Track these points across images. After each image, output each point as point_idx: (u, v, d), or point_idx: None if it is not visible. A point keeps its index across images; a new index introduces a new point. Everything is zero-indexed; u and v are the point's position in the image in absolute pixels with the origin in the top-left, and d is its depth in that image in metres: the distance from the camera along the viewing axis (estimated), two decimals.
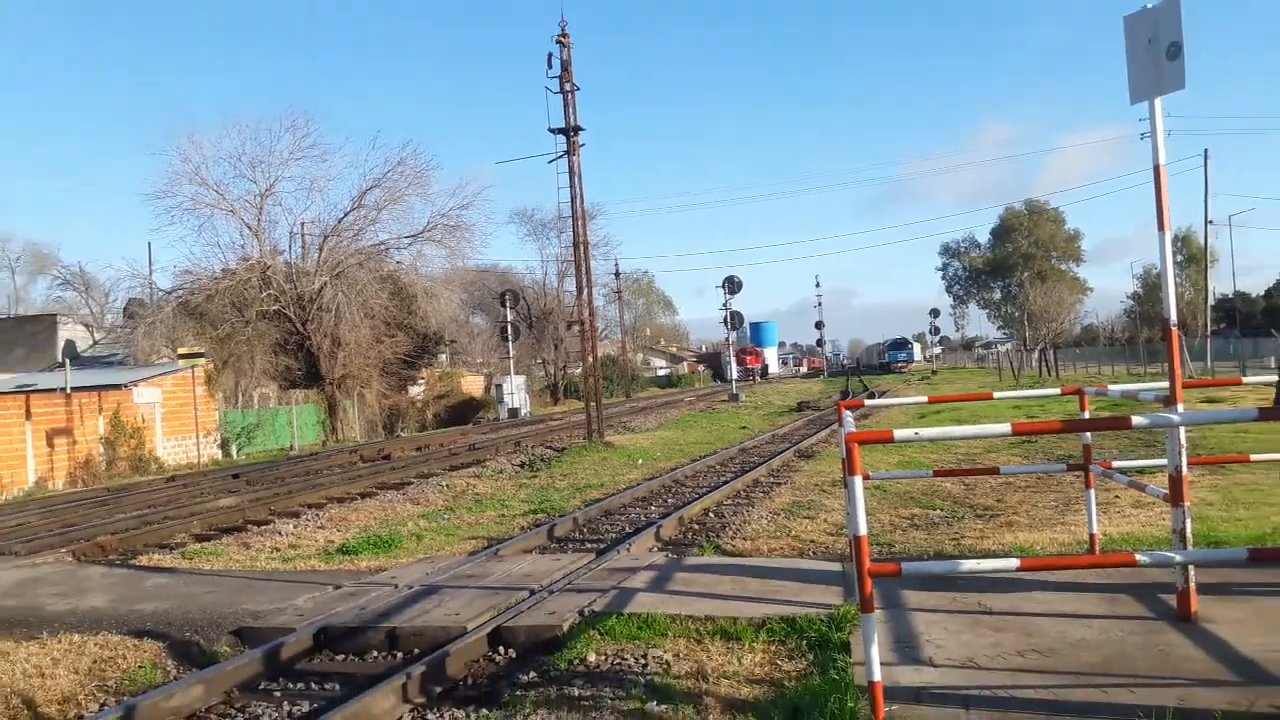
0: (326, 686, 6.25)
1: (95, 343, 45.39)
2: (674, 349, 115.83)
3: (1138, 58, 5.60)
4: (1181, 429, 5.54)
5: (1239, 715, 4.09)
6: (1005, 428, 4.41)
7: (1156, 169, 5.61)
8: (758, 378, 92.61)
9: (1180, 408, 5.58)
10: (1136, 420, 4.56)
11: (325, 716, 5.21)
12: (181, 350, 30.49)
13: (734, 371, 58.55)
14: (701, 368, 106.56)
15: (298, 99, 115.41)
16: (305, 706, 5.86)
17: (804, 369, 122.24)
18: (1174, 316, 5.67)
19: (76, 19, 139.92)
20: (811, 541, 10.18)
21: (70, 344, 42.05)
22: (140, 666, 6.75)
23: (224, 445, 32.63)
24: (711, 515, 12.69)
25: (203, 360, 30.32)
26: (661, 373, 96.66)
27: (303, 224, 39.74)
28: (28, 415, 25.21)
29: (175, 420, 30.76)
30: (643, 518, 12.94)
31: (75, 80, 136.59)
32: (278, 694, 6.14)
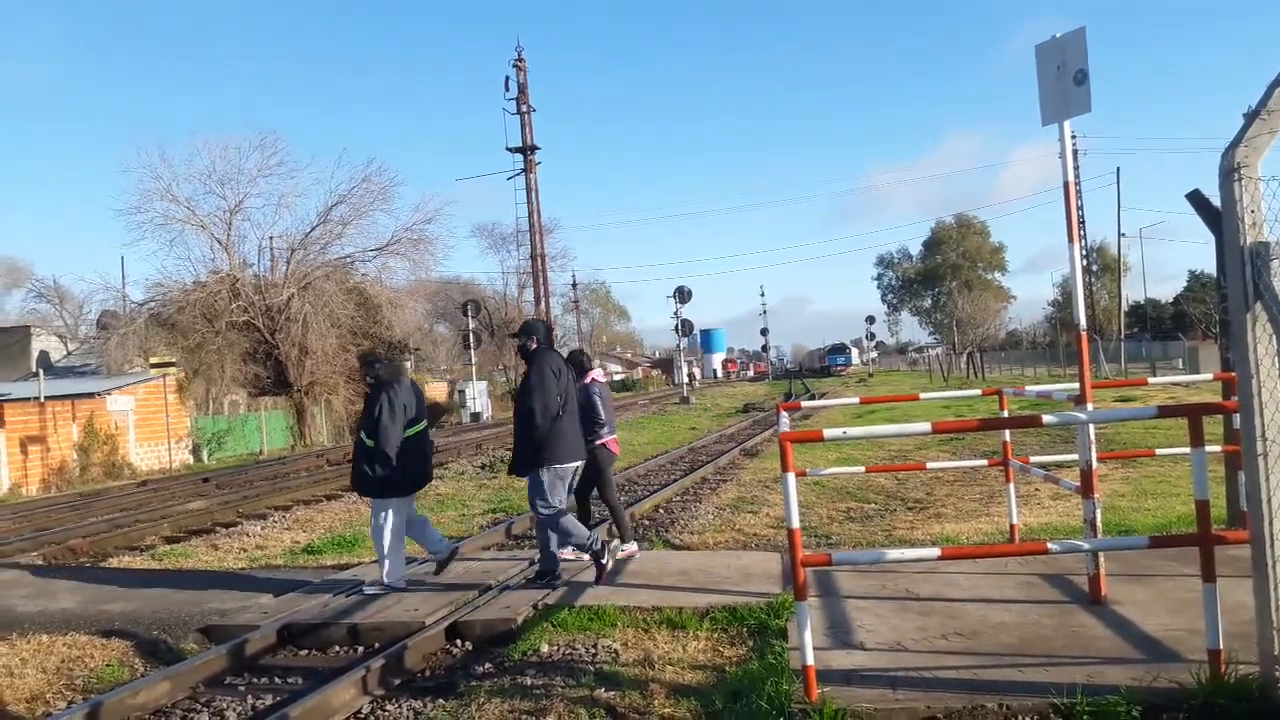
0: (289, 680, 6.14)
1: (69, 353, 44.26)
2: (629, 355, 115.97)
3: (1049, 83, 5.70)
4: (1090, 426, 5.65)
5: (1141, 690, 4.18)
6: (925, 426, 4.47)
7: (1066, 186, 5.71)
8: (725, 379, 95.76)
9: (1090, 406, 5.69)
10: (1047, 419, 4.66)
11: (287, 709, 5.12)
12: (154, 360, 29.90)
13: (684, 375, 58.57)
14: (655, 372, 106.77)
15: (267, 117, 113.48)
16: (268, 700, 5.75)
17: (751, 373, 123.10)
18: (1083, 322, 5.77)
19: (58, 36, 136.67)
20: (754, 535, 10.23)
21: (44, 354, 40.99)
22: (108, 665, 6.58)
23: (195, 451, 32.04)
24: (661, 511, 12.68)
25: (174, 369, 29.76)
26: (617, 378, 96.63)
27: (271, 238, 39.19)
28: (1, 424, 24.55)
29: (148, 427, 30.17)
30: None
31: (52, 98, 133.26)
32: (242, 688, 6.02)
